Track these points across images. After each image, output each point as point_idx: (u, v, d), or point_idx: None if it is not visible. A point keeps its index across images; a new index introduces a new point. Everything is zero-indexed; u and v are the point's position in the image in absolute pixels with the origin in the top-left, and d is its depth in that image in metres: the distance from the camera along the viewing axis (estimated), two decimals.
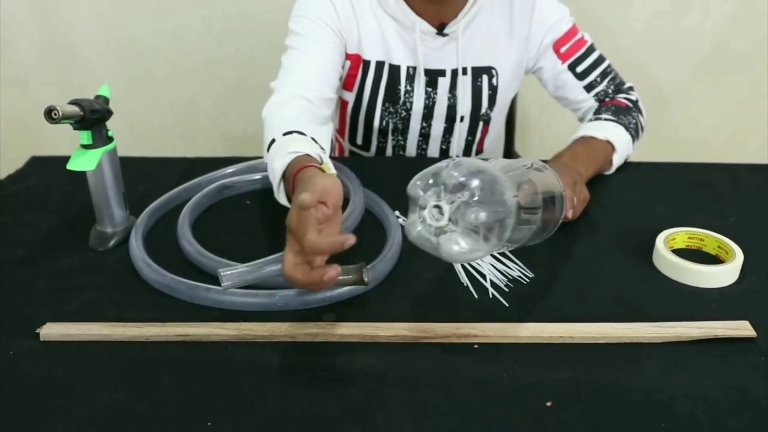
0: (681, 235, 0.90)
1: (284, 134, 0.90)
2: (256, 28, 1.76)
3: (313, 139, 0.90)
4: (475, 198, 0.68)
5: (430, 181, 0.70)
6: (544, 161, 0.91)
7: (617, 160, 1.10)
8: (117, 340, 0.73)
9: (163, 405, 0.65)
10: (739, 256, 0.84)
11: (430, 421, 0.63)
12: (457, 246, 0.69)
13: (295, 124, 0.93)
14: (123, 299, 0.80)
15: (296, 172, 0.79)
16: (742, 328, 0.73)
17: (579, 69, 1.17)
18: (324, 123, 1.03)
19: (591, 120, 1.14)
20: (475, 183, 0.69)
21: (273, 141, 0.90)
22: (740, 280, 0.83)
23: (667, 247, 0.86)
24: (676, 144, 1.84)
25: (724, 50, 1.76)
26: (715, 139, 1.86)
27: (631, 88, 1.21)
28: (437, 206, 0.69)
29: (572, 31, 1.16)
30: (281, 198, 0.87)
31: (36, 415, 0.64)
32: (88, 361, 0.71)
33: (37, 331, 0.74)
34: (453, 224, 0.69)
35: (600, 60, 1.18)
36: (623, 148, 1.10)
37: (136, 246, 0.87)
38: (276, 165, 0.84)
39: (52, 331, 0.74)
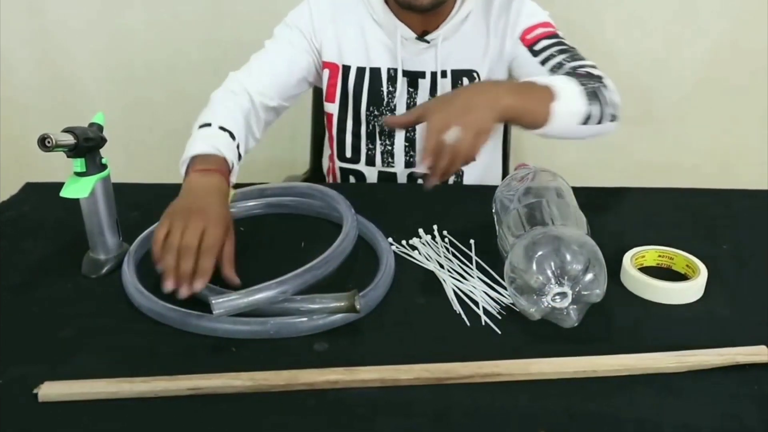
0: (651, 253, 0.91)
1: (220, 127, 1.02)
2: (251, 56, 1.78)
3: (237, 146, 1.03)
4: (593, 277, 0.75)
5: (549, 272, 0.75)
6: None
7: (560, 109, 0.93)
8: (124, 397, 0.68)
9: None
10: (703, 274, 0.85)
11: None
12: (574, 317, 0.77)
13: (235, 122, 1.05)
14: (115, 326, 0.80)
15: (209, 169, 0.93)
16: (760, 354, 0.73)
17: (537, 47, 1.12)
18: (256, 130, 1.13)
19: None
20: (594, 268, 0.76)
21: (210, 124, 1.02)
22: (705, 297, 0.85)
23: (634, 265, 0.88)
24: (667, 169, 1.85)
25: (717, 77, 1.78)
26: (706, 164, 1.87)
27: (595, 67, 1.06)
28: (561, 293, 0.75)
29: (543, 24, 1.14)
30: (183, 168, 0.97)
31: None
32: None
33: (34, 391, 0.69)
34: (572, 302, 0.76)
35: (563, 42, 1.11)
36: (568, 97, 0.95)
37: (129, 273, 0.87)
38: (198, 145, 0.96)
39: (51, 391, 0.68)
